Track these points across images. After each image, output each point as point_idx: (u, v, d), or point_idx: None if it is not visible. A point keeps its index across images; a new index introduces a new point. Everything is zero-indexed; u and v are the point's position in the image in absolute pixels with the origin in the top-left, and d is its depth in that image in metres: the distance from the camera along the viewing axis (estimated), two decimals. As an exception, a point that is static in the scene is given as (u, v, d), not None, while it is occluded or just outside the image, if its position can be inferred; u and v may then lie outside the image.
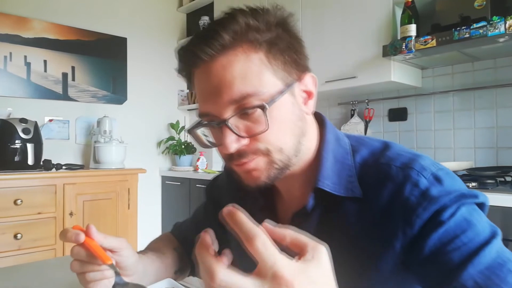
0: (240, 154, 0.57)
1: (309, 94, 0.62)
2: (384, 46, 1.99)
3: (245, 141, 0.57)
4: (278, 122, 0.56)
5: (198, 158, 3.19)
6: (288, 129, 0.58)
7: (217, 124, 0.57)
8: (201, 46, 0.55)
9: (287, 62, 0.58)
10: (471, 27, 1.66)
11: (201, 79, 0.58)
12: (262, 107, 0.54)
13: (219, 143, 0.58)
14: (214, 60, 0.55)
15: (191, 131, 0.61)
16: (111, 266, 0.60)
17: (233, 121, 0.56)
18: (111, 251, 0.63)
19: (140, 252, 0.75)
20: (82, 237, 0.59)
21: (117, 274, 0.61)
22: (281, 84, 0.57)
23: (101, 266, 0.61)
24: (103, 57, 3.11)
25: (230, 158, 0.59)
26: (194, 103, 3.43)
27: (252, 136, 0.56)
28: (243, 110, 0.55)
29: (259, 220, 0.40)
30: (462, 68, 2.12)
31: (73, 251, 0.61)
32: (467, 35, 1.68)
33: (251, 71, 0.55)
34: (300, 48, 0.61)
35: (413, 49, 1.85)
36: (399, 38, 1.96)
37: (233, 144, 0.56)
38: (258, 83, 0.55)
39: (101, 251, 0.60)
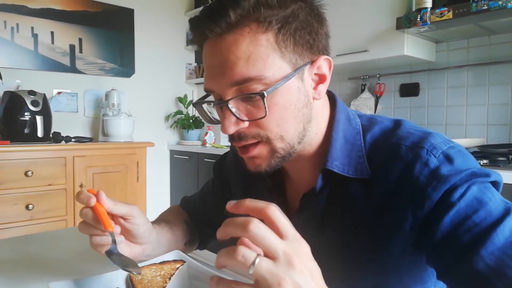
0: (240, 136, 0.57)
1: (321, 77, 0.60)
2: (398, 18, 1.93)
3: (245, 124, 0.56)
4: (281, 108, 0.55)
5: (206, 133, 3.19)
6: (290, 116, 0.56)
7: (219, 104, 0.56)
8: (208, 24, 0.53)
9: (298, 43, 0.55)
10: (490, -1, 1.59)
11: (207, 54, 0.57)
12: (261, 95, 0.52)
13: (220, 122, 0.58)
14: (221, 37, 0.54)
15: (196, 105, 0.62)
16: (111, 233, 0.61)
17: (234, 103, 0.55)
18: (123, 218, 0.64)
19: (153, 223, 0.76)
20: (93, 201, 0.61)
21: (114, 242, 0.61)
22: (289, 68, 0.55)
23: (105, 232, 0.62)
24: (110, 29, 3.07)
25: (231, 138, 0.59)
26: (202, 76, 3.40)
27: (252, 120, 0.55)
28: (244, 94, 0.54)
29: (267, 200, 0.40)
30: (478, 42, 2.05)
31: (81, 212, 0.62)
32: (485, 7, 1.62)
33: (256, 53, 0.53)
34: (318, 27, 0.58)
35: (428, 22, 1.79)
36: (413, 9, 1.89)
37: (231, 126, 0.56)
38: (262, 66, 0.53)
39: (106, 217, 0.61)
